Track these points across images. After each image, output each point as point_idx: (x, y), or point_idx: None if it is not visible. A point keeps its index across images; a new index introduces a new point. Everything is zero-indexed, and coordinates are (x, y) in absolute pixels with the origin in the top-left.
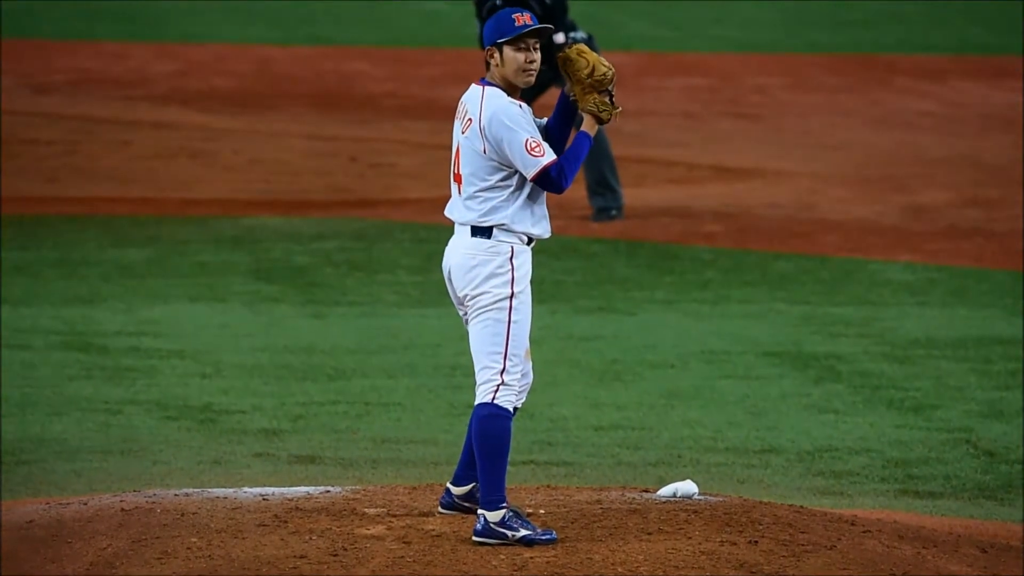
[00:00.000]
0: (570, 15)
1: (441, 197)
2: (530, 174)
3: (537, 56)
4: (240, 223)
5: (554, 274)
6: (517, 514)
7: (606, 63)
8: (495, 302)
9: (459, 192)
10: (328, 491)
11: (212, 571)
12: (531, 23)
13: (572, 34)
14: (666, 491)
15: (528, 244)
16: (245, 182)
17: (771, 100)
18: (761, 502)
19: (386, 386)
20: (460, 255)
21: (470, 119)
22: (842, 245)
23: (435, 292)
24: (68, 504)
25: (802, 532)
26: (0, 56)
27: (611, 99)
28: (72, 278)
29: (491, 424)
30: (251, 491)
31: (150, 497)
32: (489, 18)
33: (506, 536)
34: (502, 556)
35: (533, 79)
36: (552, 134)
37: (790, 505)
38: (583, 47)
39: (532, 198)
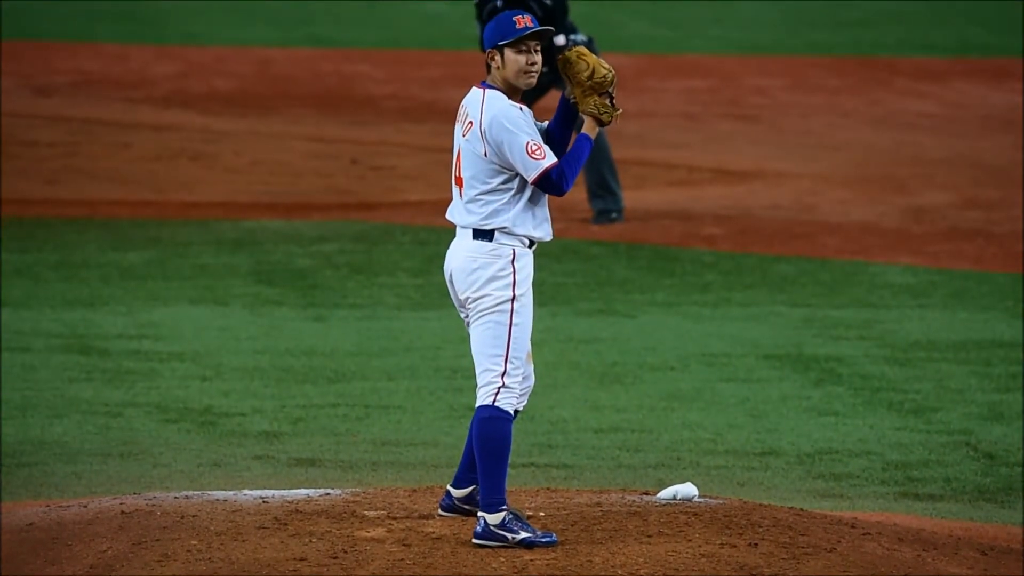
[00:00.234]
0: (570, 17)
1: (442, 199)
2: (531, 177)
3: (538, 58)
4: (241, 225)
5: (554, 276)
6: (517, 516)
7: (606, 65)
8: (497, 305)
9: (460, 195)
10: (328, 494)
11: (212, 573)
12: (532, 25)
13: (572, 36)
14: (666, 493)
15: (530, 247)
16: (246, 184)
17: (771, 101)
18: (761, 504)
19: (386, 388)
20: (462, 258)
21: (471, 122)
22: (843, 247)
23: (436, 294)
24: (68, 506)
25: (802, 535)
26: (0, 57)
27: (611, 101)
28: (72, 280)
29: (492, 426)
30: (251, 494)
31: (150, 499)
32: (490, 20)
33: (506, 539)
34: (502, 559)
35: (534, 81)
36: (553, 137)
37: (790, 507)
38: (583, 49)
39: (533, 201)
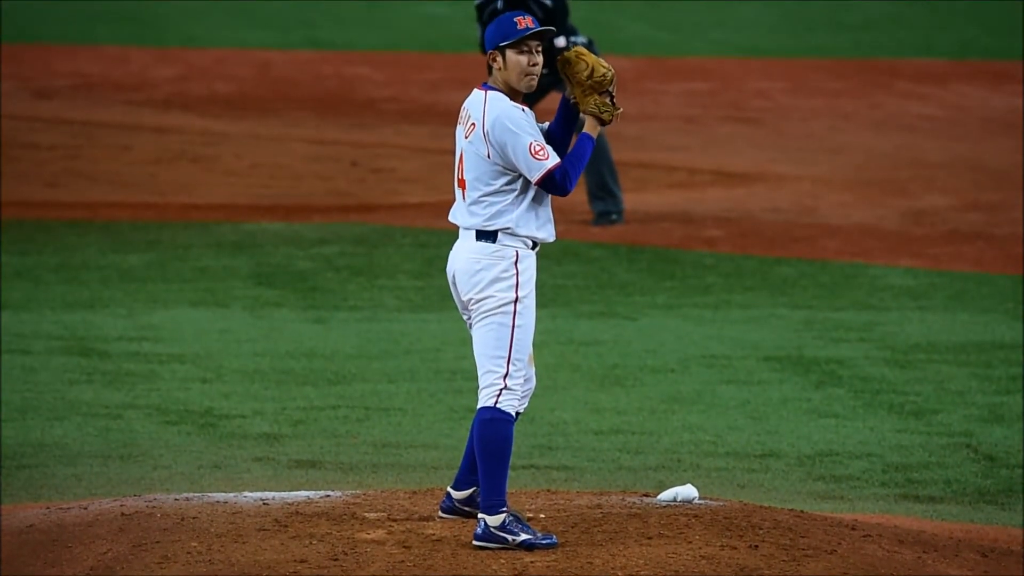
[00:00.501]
0: (570, 19)
1: (442, 202)
2: (534, 178)
3: (539, 59)
4: (241, 228)
5: (555, 278)
6: (517, 518)
7: (605, 64)
8: (500, 306)
9: (463, 197)
10: (328, 495)
11: (212, 575)
12: (533, 26)
13: (573, 38)
14: (666, 495)
15: (533, 248)
16: (246, 187)
17: (772, 104)
18: (761, 506)
19: (387, 390)
20: (464, 260)
21: (473, 124)
22: (843, 249)
23: (436, 296)
24: (68, 508)
25: (802, 536)
26: (1, 60)
27: (612, 100)
28: (73, 283)
29: (493, 428)
30: (251, 495)
31: (150, 501)
32: (491, 22)
33: (506, 540)
34: (502, 560)
35: (535, 82)
36: (554, 138)
37: (790, 509)
38: (581, 49)
39: (537, 202)
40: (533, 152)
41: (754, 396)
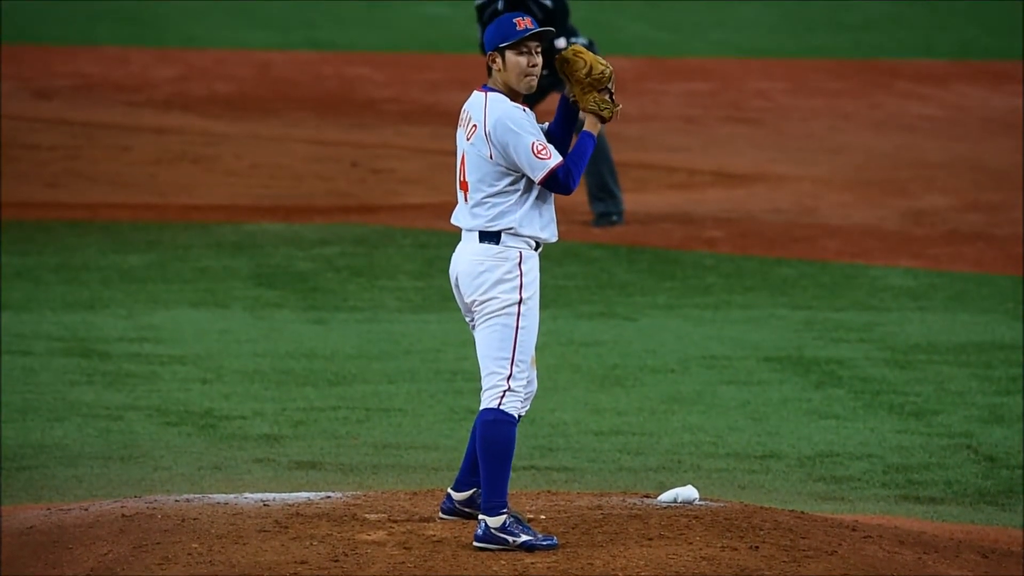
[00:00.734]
0: (571, 20)
1: (443, 202)
2: (538, 177)
3: (539, 60)
4: (241, 228)
5: (555, 279)
6: (518, 520)
7: (603, 61)
8: (503, 308)
9: (466, 199)
10: (329, 496)
11: None
12: (532, 27)
13: (573, 39)
14: (667, 496)
15: (536, 249)
16: (246, 187)
17: (772, 104)
18: (762, 507)
19: (387, 391)
20: (467, 261)
21: (475, 125)
22: (843, 250)
23: (436, 297)
24: (69, 510)
25: (803, 537)
26: (1, 61)
27: (611, 97)
28: (73, 283)
29: (496, 430)
30: (252, 497)
31: (151, 503)
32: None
33: (507, 541)
34: (503, 562)
35: (535, 83)
36: (554, 137)
37: (791, 510)
38: (579, 47)
39: (540, 202)
40: (536, 152)
41: (754, 397)
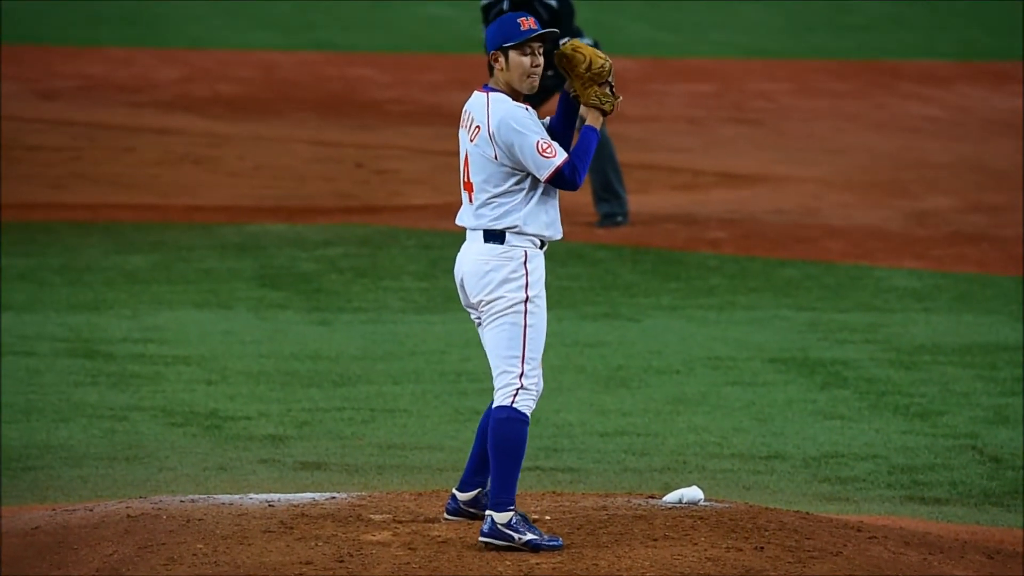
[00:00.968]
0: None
1: (446, 203)
2: (544, 175)
3: (541, 60)
4: (245, 229)
5: (559, 280)
6: (524, 519)
7: (602, 55)
8: (510, 307)
9: (470, 200)
10: (334, 497)
11: None
12: (536, 28)
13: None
14: (672, 497)
15: (541, 247)
16: (250, 188)
17: (775, 105)
18: (767, 508)
19: (392, 392)
20: (473, 261)
21: (478, 126)
22: (847, 251)
23: (440, 298)
24: (74, 510)
25: (808, 538)
26: (4, 62)
27: (611, 90)
28: (77, 284)
29: (509, 428)
30: (257, 497)
31: (156, 503)
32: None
33: (512, 538)
34: (508, 562)
35: (537, 84)
36: (556, 133)
37: (796, 511)
38: (577, 42)
39: (544, 200)
40: (541, 150)
41: (759, 397)
